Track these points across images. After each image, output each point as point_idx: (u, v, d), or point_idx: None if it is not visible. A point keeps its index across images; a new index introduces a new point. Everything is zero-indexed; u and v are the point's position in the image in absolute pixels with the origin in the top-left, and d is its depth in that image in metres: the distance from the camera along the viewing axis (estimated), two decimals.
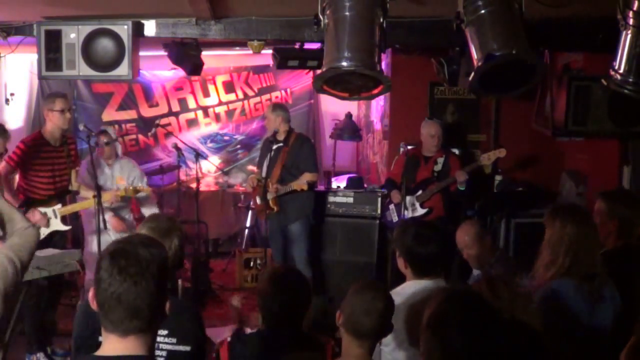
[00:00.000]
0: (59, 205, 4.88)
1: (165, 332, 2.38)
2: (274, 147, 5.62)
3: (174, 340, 2.38)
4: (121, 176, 5.43)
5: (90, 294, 1.64)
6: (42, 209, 4.80)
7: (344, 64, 3.18)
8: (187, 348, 2.38)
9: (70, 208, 4.98)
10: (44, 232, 4.71)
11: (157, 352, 2.36)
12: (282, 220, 5.66)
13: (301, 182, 5.48)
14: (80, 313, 2.49)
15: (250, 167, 8.14)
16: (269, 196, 5.56)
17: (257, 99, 8.35)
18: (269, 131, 5.70)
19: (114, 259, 1.59)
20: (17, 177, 4.95)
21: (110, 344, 1.60)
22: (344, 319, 2.34)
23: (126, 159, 5.66)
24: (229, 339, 2.57)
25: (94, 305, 1.63)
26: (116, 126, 8.09)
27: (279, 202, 5.58)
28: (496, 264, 3.92)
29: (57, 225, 4.84)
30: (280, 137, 5.63)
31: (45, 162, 4.85)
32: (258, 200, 5.77)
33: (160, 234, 2.40)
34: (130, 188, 5.13)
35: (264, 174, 5.60)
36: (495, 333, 1.59)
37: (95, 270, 1.61)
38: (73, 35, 4.51)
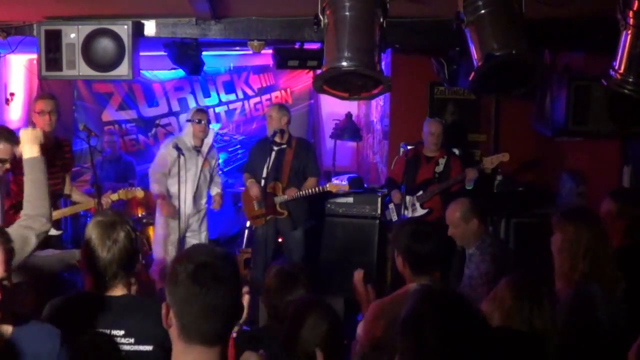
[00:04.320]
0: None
1: (121, 332, 2.30)
2: (276, 149, 5.50)
3: (131, 340, 2.29)
4: (207, 160, 5.59)
5: (165, 311, 1.58)
6: None
7: (344, 63, 3.18)
8: (148, 348, 2.29)
9: (62, 212, 4.88)
10: None
11: (114, 354, 2.29)
12: (285, 226, 5.60)
13: (337, 185, 5.59)
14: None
15: None
16: (278, 200, 5.49)
17: (257, 99, 8.34)
18: (270, 131, 5.51)
19: (205, 269, 1.54)
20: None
21: (196, 355, 1.54)
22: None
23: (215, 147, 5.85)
24: (234, 334, 2.57)
25: (169, 324, 1.57)
26: (116, 126, 8.10)
27: (284, 207, 5.53)
28: (477, 251, 3.91)
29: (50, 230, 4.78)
30: (282, 139, 5.49)
31: None
32: (256, 206, 5.56)
33: (105, 227, 2.35)
34: (122, 191, 5.13)
35: (264, 177, 5.38)
36: (471, 336, 1.56)
37: (172, 282, 1.56)
38: (73, 35, 4.50)
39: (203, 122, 5.49)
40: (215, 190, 5.77)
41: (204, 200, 5.70)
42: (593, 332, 2.56)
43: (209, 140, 5.62)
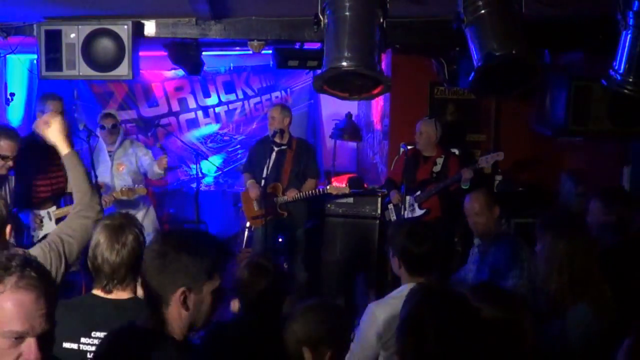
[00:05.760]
0: (53, 208, 4.83)
1: None
2: (276, 149, 5.49)
3: None
4: (121, 162, 5.41)
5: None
6: (37, 211, 4.77)
7: (344, 64, 3.18)
8: None
9: (66, 210, 4.89)
10: (38, 234, 4.69)
11: None
12: (285, 226, 5.60)
13: (337, 187, 5.57)
14: None
15: None
16: (279, 201, 5.49)
17: (257, 99, 8.33)
18: (271, 131, 5.50)
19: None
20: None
21: None
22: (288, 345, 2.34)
23: (129, 140, 5.68)
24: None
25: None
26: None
27: (284, 208, 5.55)
28: (497, 241, 3.98)
29: (51, 227, 4.72)
30: (283, 140, 5.49)
31: (39, 164, 4.70)
32: (256, 207, 5.57)
33: (114, 230, 2.37)
34: (125, 190, 5.12)
35: (264, 177, 5.35)
36: (471, 334, 1.56)
37: None
38: (73, 35, 4.50)
39: (106, 127, 5.37)
40: (157, 170, 5.42)
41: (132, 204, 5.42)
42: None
43: (118, 141, 5.45)
